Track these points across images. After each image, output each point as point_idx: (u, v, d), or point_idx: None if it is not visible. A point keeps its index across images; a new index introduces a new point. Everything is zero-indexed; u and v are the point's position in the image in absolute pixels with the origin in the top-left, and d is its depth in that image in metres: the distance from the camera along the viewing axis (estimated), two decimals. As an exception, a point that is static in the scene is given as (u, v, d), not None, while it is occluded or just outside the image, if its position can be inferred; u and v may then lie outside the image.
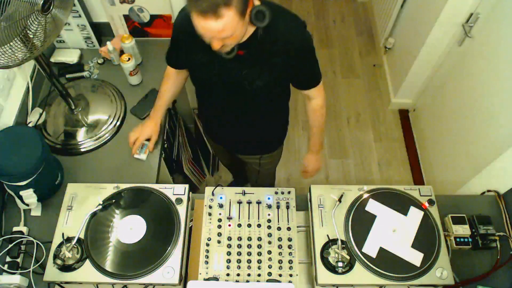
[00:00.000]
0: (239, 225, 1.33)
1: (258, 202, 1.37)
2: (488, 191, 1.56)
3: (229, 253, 1.28)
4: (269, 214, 1.35)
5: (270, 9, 1.11)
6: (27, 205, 1.43)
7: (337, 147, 2.79)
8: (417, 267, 1.24)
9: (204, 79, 1.38)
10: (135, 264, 1.24)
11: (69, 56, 1.86)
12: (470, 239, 1.37)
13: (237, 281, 1.24)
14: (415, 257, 1.25)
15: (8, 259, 1.35)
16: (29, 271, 1.33)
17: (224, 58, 1.19)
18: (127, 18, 1.85)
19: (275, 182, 2.20)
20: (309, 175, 1.75)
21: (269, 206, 1.36)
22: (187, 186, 1.37)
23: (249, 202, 1.37)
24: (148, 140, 1.60)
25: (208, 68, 1.31)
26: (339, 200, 1.34)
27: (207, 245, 1.29)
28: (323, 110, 1.52)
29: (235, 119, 1.52)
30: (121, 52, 1.84)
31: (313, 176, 1.75)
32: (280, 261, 1.27)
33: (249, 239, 1.30)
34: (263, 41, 1.18)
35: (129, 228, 1.29)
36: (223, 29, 1.03)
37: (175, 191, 1.36)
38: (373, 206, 1.34)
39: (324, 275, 1.23)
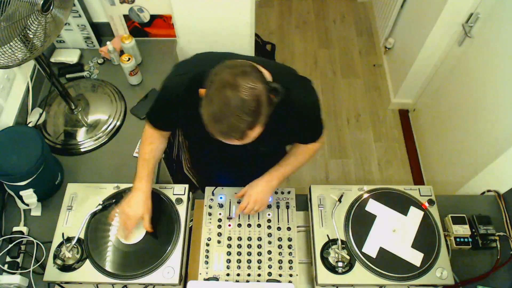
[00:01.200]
0: (239, 225, 1.33)
1: (258, 202, 1.37)
2: (488, 191, 1.56)
3: (229, 253, 1.28)
4: (269, 214, 1.35)
5: (279, 79, 1.02)
6: (27, 205, 1.43)
7: (337, 147, 2.79)
8: (417, 267, 1.24)
9: (202, 143, 1.29)
10: (135, 264, 1.24)
11: (69, 56, 1.86)
12: (470, 239, 1.37)
13: (237, 281, 1.24)
14: (415, 257, 1.25)
15: (8, 259, 1.35)
16: (29, 271, 1.33)
17: None
18: (127, 18, 1.85)
19: None
20: (242, 208, 1.29)
21: (269, 206, 1.36)
22: (187, 186, 1.37)
23: (249, 202, 1.37)
24: None
25: (205, 138, 1.16)
26: (339, 200, 1.34)
27: (207, 245, 1.29)
28: (312, 152, 1.36)
29: (238, 168, 1.45)
30: (121, 52, 1.84)
31: (248, 211, 1.29)
32: (280, 261, 1.27)
33: (249, 239, 1.30)
34: (273, 115, 1.02)
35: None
36: (246, 142, 0.98)
37: (175, 191, 1.36)
38: (373, 206, 1.34)
39: (324, 275, 1.23)
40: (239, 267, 1.26)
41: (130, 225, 1.24)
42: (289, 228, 1.32)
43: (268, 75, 1.05)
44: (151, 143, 1.29)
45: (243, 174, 1.39)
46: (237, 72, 0.91)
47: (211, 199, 1.37)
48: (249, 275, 1.25)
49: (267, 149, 1.23)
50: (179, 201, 1.33)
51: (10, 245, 1.36)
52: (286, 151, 1.46)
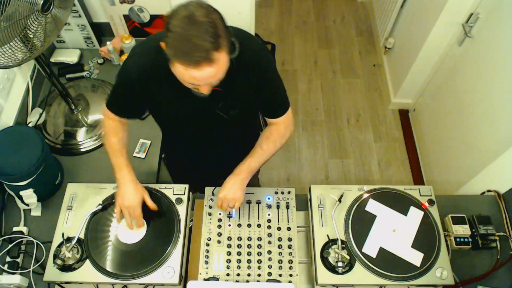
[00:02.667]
0: (239, 225, 1.33)
1: (258, 202, 1.37)
2: (488, 191, 1.56)
3: (229, 253, 1.28)
4: (269, 214, 1.35)
5: (236, 38, 1.07)
6: (27, 205, 1.43)
7: (337, 147, 2.79)
8: (417, 267, 1.24)
9: (175, 119, 1.29)
10: (135, 264, 1.24)
11: (69, 56, 1.86)
12: (470, 239, 1.37)
13: (237, 281, 1.24)
14: (415, 257, 1.25)
15: (8, 259, 1.35)
16: (29, 271, 1.33)
17: (194, 97, 1.13)
18: (127, 18, 1.85)
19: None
20: (220, 202, 1.30)
21: (269, 206, 1.36)
22: (187, 186, 1.37)
23: (249, 202, 1.37)
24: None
25: (178, 107, 1.23)
26: (339, 200, 1.34)
27: (207, 245, 1.29)
28: (279, 139, 1.31)
29: (213, 149, 1.44)
30: (121, 52, 1.84)
31: (225, 208, 1.30)
32: (280, 261, 1.27)
33: (249, 239, 1.30)
34: (234, 71, 1.11)
35: (129, 228, 1.29)
36: (218, 72, 0.98)
37: (175, 191, 1.36)
38: (373, 206, 1.34)
39: (324, 275, 1.23)
40: (239, 267, 1.26)
41: (137, 212, 1.26)
42: (289, 228, 1.32)
43: None
44: (116, 134, 1.29)
45: (217, 164, 1.41)
46: (191, 4, 0.95)
47: (211, 199, 1.37)
48: (249, 275, 1.25)
49: (234, 113, 1.23)
50: (179, 201, 1.33)
51: (10, 245, 1.36)
52: (257, 127, 1.50)
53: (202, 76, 0.97)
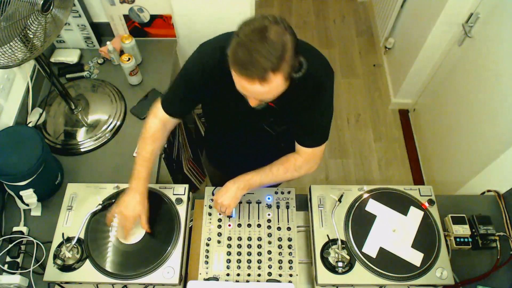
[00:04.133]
0: (239, 225, 1.33)
1: (258, 202, 1.37)
2: (488, 191, 1.56)
3: (229, 253, 1.28)
4: (269, 214, 1.35)
5: (305, 57, 1.02)
6: (27, 205, 1.43)
7: (337, 147, 2.79)
8: (417, 267, 1.24)
9: (224, 121, 1.29)
10: (135, 264, 1.24)
11: (69, 56, 1.86)
12: (470, 239, 1.37)
13: (237, 281, 1.24)
14: (415, 257, 1.25)
15: (8, 259, 1.35)
16: (29, 271, 1.33)
17: (248, 106, 1.09)
18: (127, 18, 1.85)
19: None
20: (214, 204, 1.32)
21: (269, 206, 1.36)
22: (187, 186, 1.37)
23: (249, 202, 1.37)
24: None
25: (230, 111, 1.22)
26: (339, 200, 1.34)
27: (207, 245, 1.29)
28: (292, 170, 1.27)
29: (248, 152, 1.43)
30: (121, 52, 1.84)
31: (217, 210, 1.31)
32: (280, 261, 1.27)
33: (249, 239, 1.30)
34: (292, 91, 1.05)
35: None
36: (267, 92, 0.96)
37: (175, 191, 1.36)
38: (373, 206, 1.34)
39: (324, 275, 1.23)
40: (239, 267, 1.26)
41: (128, 225, 1.24)
42: (289, 228, 1.32)
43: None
44: (154, 142, 1.26)
45: (255, 155, 1.38)
46: (267, 18, 0.92)
47: (211, 199, 1.37)
48: (249, 275, 1.25)
49: (282, 129, 1.22)
50: (179, 201, 1.33)
51: (10, 245, 1.36)
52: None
53: (252, 91, 0.96)
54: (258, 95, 0.98)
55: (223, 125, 1.38)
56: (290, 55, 0.93)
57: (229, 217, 1.34)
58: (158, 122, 1.27)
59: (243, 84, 0.96)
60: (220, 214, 1.34)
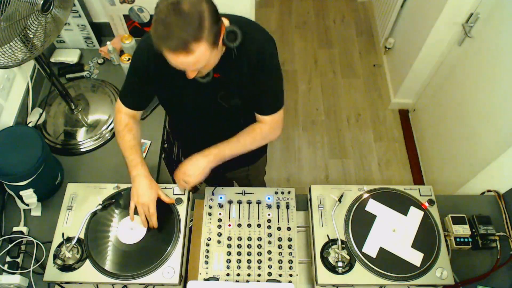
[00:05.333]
0: (239, 225, 1.33)
1: (258, 202, 1.37)
2: (488, 191, 1.56)
3: (229, 253, 1.28)
4: (269, 214, 1.35)
5: (239, 27, 1.09)
6: (27, 205, 1.43)
7: (337, 147, 2.79)
8: (417, 267, 1.24)
9: (177, 103, 1.31)
10: (135, 264, 1.24)
11: (69, 56, 1.86)
12: (470, 239, 1.37)
13: (237, 281, 1.24)
14: (415, 257, 1.25)
15: (8, 259, 1.35)
16: (29, 271, 1.33)
17: (198, 83, 1.15)
18: (127, 18, 1.85)
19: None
20: (177, 175, 1.29)
21: (269, 206, 1.36)
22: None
23: (249, 202, 1.37)
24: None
25: (181, 92, 1.25)
26: (339, 200, 1.34)
27: (207, 245, 1.29)
28: (259, 138, 1.31)
29: (216, 137, 1.42)
30: (121, 52, 1.84)
31: (180, 183, 1.29)
32: (280, 261, 1.27)
33: (249, 239, 1.30)
34: (236, 60, 1.15)
35: (129, 228, 1.29)
36: (195, 62, 1.00)
37: (175, 191, 1.36)
38: (373, 206, 1.34)
39: (324, 275, 1.23)
40: (239, 267, 1.26)
41: (152, 210, 1.26)
42: (289, 228, 1.32)
43: (226, 21, 1.13)
44: (130, 131, 1.30)
45: (223, 139, 1.38)
46: None
47: (211, 199, 1.37)
48: (249, 275, 1.25)
49: (235, 102, 1.24)
50: (179, 201, 1.33)
51: (10, 245, 1.36)
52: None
53: (180, 62, 0.99)
54: (188, 65, 1.01)
55: (181, 111, 1.37)
56: (209, 22, 0.96)
57: (229, 217, 1.34)
58: (125, 116, 1.31)
59: (170, 59, 0.99)
60: (182, 188, 1.32)
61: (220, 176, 1.57)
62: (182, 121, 1.47)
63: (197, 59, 0.99)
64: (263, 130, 1.30)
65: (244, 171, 1.71)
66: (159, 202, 1.33)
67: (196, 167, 1.25)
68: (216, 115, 1.32)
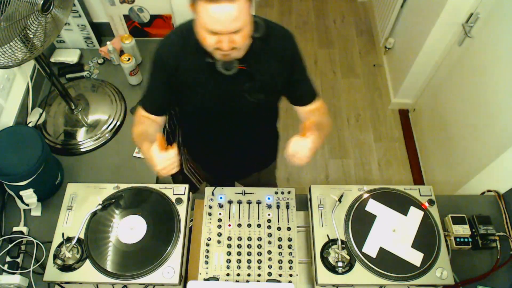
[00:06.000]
0: (239, 225, 1.33)
1: (258, 202, 1.37)
2: (488, 191, 1.56)
3: (229, 253, 1.28)
4: (269, 214, 1.35)
5: (263, 21, 1.11)
6: (27, 205, 1.43)
7: (337, 147, 2.79)
8: (417, 267, 1.24)
9: (201, 102, 1.29)
10: (135, 264, 1.24)
11: (69, 56, 1.86)
12: (470, 239, 1.37)
13: (237, 281, 1.24)
14: (415, 257, 1.25)
15: (8, 259, 1.35)
16: (29, 271, 1.33)
17: (223, 77, 1.15)
18: (127, 18, 1.85)
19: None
20: (295, 159, 1.18)
21: (269, 206, 1.36)
22: (187, 186, 1.37)
23: (249, 202, 1.37)
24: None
25: (204, 87, 1.24)
26: (339, 200, 1.34)
27: (207, 245, 1.29)
28: (327, 111, 1.35)
29: (234, 142, 1.44)
30: (121, 52, 1.84)
31: (298, 162, 1.18)
32: (280, 261, 1.27)
33: (249, 239, 1.30)
34: (260, 53, 1.17)
35: (129, 228, 1.29)
36: (236, 17, 0.98)
37: (175, 191, 1.36)
38: (373, 206, 1.34)
39: (324, 275, 1.23)
40: (239, 267, 1.26)
41: (172, 159, 1.14)
42: (289, 228, 1.32)
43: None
44: (140, 123, 1.29)
45: (241, 144, 1.42)
46: None
47: (211, 199, 1.37)
48: (249, 275, 1.25)
49: (262, 97, 1.24)
50: (179, 201, 1.33)
51: (10, 245, 1.36)
52: (275, 129, 1.51)
53: (222, 15, 0.96)
54: (228, 21, 0.98)
55: (201, 109, 1.33)
56: None
57: (229, 217, 1.33)
58: (141, 117, 1.30)
59: (212, 13, 0.96)
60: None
61: (230, 184, 1.54)
62: (199, 121, 1.43)
63: (239, 10, 0.97)
64: (327, 111, 1.33)
65: (255, 176, 1.71)
66: (159, 203, 1.33)
67: (305, 147, 1.13)
68: (237, 112, 1.31)
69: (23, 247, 1.37)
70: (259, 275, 1.25)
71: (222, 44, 1.04)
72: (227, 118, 1.34)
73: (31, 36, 1.24)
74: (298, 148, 1.14)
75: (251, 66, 1.16)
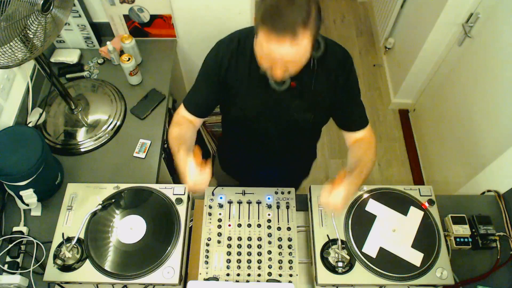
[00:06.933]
0: (239, 225, 1.33)
1: (258, 202, 1.37)
2: (488, 191, 1.56)
3: (229, 253, 1.28)
4: (269, 214, 1.35)
5: (323, 39, 1.06)
6: (27, 205, 1.43)
7: (337, 147, 2.79)
8: (417, 267, 1.24)
9: (246, 112, 1.25)
10: (135, 264, 1.24)
11: (69, 56, 1.86)
12: (470, 239, 1.37)
13: (237, 281, 1.24)
14: (415, 257, 1.25)
15: (8, 259, 1.35)
16: (29, 271, 1.33)
17: (273, 90, 1.11)
18: (127, 18, 1.85)
19: None
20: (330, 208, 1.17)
21: (269, 206, 1.36)
22: (187, 186, 1.37)
23: (249, 202, 1.37)
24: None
25: (252, 99, 1.20)
26: (339, 200, 1.34)
27: (207, 245, 1.29)
28: (375, 144, 1.28)
29: (270, 156, 1.41)
30: (121, 52, 1.84)
31: (334, 211, 1.25)
32: (280, 261, 1.27)
33: (249, 239, 1.30)
34: (316, 71, 1.12)
35: (129, 228, 1.29)
36: (296, 53, 0.95)
37: (175, 191, 1.36)
38: (373, 206, 1.34)
39: (324, 275, 1.23)
40: (239, 267, 1.26)
41: (203, 179, 1.11)
42: (289, 228, 1.32)
43: None
44: (178, 125, 1.24)
45: (268, 171, 1.39)
46: None
47: (211, 199, 1.37)
48: (249, 275, 1.25)
49: (313, 116, 1.23)
50: (179, 201, 1.33)
51: (10, 245, 1.36)
52: (315, 148, 1.47)
53: (281, 51, 0.94)
54: (286, 55, 0.95)
55: (245, 121, 1.29)
56: (315, 15, 0.94)
57: (229, 217, 1.33)
58: (180, 116, 1.26)
59: (271, 46, 0.94)
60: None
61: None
62: (240, 130, 1.39)
63: (299, 50, 0.95)
64: (374, 144, 1.25)
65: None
66: (159, 203, 1.33)
67: (338, 197, 1.13)
68: (281, 127, 1.28)
69: (23, 247, 1.37)
70: (259, 275, 1.25)
71: (275, 70, 1.02)
72: (269, 131, 1.30)
73: (31, 36, 1.24)
74: (330, 199, 1.13)
75: (304, 85, 1.12)
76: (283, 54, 0.95)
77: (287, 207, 1.36)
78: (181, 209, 1.32)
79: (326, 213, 1.30)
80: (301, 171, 1.54)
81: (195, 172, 1.10)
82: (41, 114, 1.66)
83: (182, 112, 1.28)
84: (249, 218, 1.34)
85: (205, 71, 1.23)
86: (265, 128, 1.29)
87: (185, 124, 1.27)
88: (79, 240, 1.27)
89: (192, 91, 1.28)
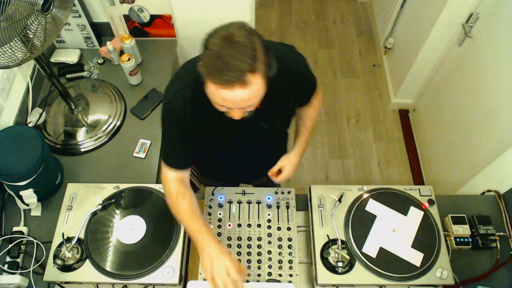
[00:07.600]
0: (239, 225, 1.33)
1: (258, 202, 1.37)
2: (488, 191, 1.56)
3: (229, 253, 1.28)
4: (269, 214, 1.35)
5: (273, 54, 1.02)
6: (27, 205, 1.43)
7: (337, 147, 2.79)
8: (417, 267, 1.24)
9: (221, 140, 1.27)
10: (135, 264, 1.24)
11: (69, 56, 1.86)
12: (470, 239, 1.37)
13: (237, 281, 1.24)
14: (415, 257, 1.25)
15: (8, 259, 1.35)
16: (29, 271, 1.33)
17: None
18: (127, 18, 1.85)
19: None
20: (281, 177, 1.34)
21: (269, 206, 1.36)
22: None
23: (249, 202, 1.37)
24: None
25: (223, 129, 1.20)
26: (339, 200, 1.34)
27: (207, 245, 1.29)
28: (319, 108, 1.42)
29: (249, 157, 1.41)
30: (121, 52, 1.84)
31: (283, 180, 1.35)
32: (280, 261, 1.27)
33: (249, 239, 1.30)
34: (276, 88, 1.06)
35: (129, 228, 1.29)
36: (249, 98, 0.94)
37: (175, 191, 1.36)
38: (373, 206, 1.34)
39: (324, 275, 1.23)
40: (239, 267, 1.26)
41: (233, 274, 1.08)
42: (289, 228, 1.32)
43: None
44: (183, 198, 1.18)
45: (256, 157, 1.41)
46: (230, 25, 0.94)
47: (211, 199, 1.37)
48: (249, 275, 1.25)
49: (282, 122, 1.29)
50: (179, 201, 1.33)
51: (10, 245, 1.36)
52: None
53: (234, 98, 0.93)
54: (240, 102, 0.95)
55: (220, 145, 1.32)
56: (261, 53, 0.93)
57: (229, 217, 1.34)
58: (173, 183, 1.20)
59: (223, 95, 0.93)
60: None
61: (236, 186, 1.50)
62: (217, 151, 1.40)
63: (252, 93, 0.94)
64: (318, 108, 1.40)
65: (263, 179, 1.69)
66: (159, 203, 1.33)
67: (295, 169, 1.37)
68: (252, 137, 1.29)
69: (23, 247, 1.37)
70: (259, 275, 1.25)
71: (232, 112, 1.01)
72: (241, 141, 1.31)
73: (31, 36, 1.24)
74: (285, 162, 1.35)
75: (268, 104, 1.09)
76: (236, 101, 0.94)
77: (287, 207, 1.36)
78: (181, 209, 1.32)
79: (325, 214, 1.34)
80: (277, 157, 1.52)
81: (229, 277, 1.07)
82: (41, 114, 1.66)
83: (169, 175, 1.21)
84: (249, 218, 1.34)
85: (169, 128, 1.19)
86: (235, 140, 1.29)
87: (187, 193, 1.21)
88: (79, 240, 1.27)
89: (167, 150, 1.23)
